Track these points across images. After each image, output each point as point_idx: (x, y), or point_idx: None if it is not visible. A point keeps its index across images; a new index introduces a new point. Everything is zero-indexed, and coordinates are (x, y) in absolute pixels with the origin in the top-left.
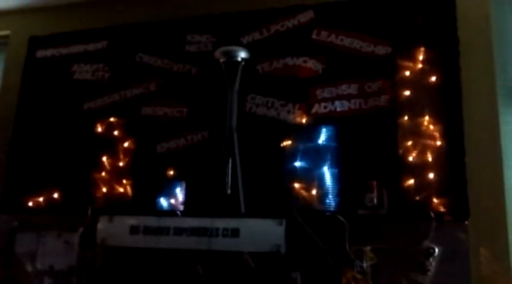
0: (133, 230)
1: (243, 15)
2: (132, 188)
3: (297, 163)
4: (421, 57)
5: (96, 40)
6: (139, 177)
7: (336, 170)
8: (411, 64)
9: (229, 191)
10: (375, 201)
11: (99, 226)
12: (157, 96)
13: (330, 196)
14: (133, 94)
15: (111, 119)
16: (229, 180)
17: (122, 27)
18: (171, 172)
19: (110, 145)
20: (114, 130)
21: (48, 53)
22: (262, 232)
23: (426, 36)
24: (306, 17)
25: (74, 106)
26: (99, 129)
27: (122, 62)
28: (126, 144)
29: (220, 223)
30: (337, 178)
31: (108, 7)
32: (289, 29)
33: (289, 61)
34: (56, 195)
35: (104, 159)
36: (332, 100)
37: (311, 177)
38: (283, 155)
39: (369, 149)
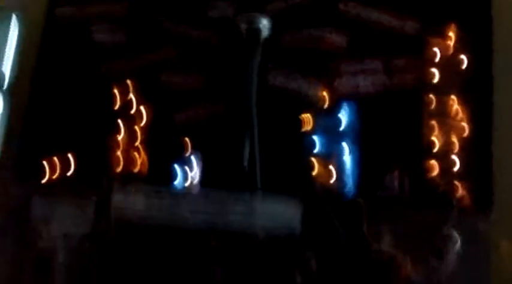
0: (148, 202)
1: None
2: (148, 156)
3: (316, 139)
4: (451, 36)
5: (116, 1)
6: (156, 146)
7: (356, 149)
8: (441, 42)
9: (246, 163)
10: (396, 183)
11: (114, 195)
12: (175, 62)
13: (349, 176)
14: (150, 60)
15: (129, 83)
16: (247, 152)
17: None
18: (188, 142)
19: (126, 110)
20: (131, 94)
21: (68, 11)
22: (278, 210)
23: (458, 14)
24: None
25: (92, 68)
26: (117, 94)
27: (142, 25)
28: (143, 111)
29: (236, 198)
30: (357, 158)
31: None
32: None
33: (314, 32)
34: (72, 160)
35: (121, 124)
36: (355, 75)
37: (330, 153)
38: (302, 130)
39: (391, 129)
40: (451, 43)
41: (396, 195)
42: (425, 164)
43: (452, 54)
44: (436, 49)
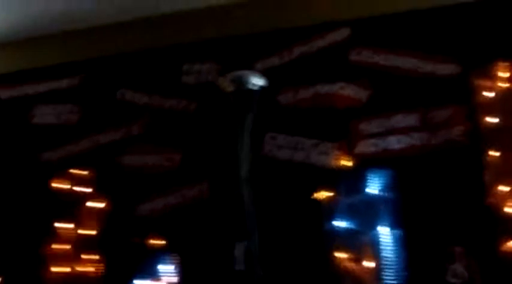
0: None
1: (255, 38)
2: (103, 267)
3: (339, 223)
4: (503, 74)
5: (66, 76)
6: (113, 252)
7: (397, 231)
8: (491, 83)
9: (241, 267)
10: (465, 274)
11: None
12: (141, 141)
13: (392, 270)
14: (108, 140)
15: (76, 172)
16: (242, 253)
17: (102, 59)
18: (157, 243)
19: (72, 207)
20: (80, 186)
21: (9, 92)
22: None
23: (505, 47)
24: (341, 35)
25: (30, 156)
26: (59, 186)
27: (97, 100)
28: (95, 206)
29: None
30: (400, 244)
31: (85, 36)
32: (319, 49)
33: (321, 89)
34: None
35: (63, 226)
36: (383, 135)
37: (361, 242)
38: (319, 213)
39: (443, 199)
40: (504, 83)
41: None
42: (499, 242)
43: (508, 96)
44: (487, 93)
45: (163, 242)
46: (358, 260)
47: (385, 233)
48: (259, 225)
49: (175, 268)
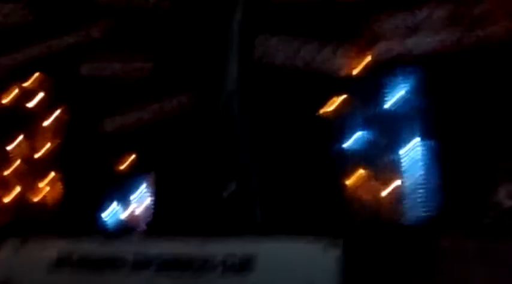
0: (60, 263)
1: None
2: (62, 190)
3: (352, 142)
4: None
5: None
6: (75, 173)
7: (429, 145)
8: None
9: (230, 191)
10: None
11: (2, 255)
12: (103, 46)
13: (422, 193)
14: (65, 45)
15: (30, 82)
16: (231, 175)
17: None
18: (129, 162)
19: (25, 121)
20: (32, 100)
21: None
22: (298, 263)
23: None
24: None
25: None
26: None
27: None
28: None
29: (218, 249)
30: (433, 160)
31: None
32: None
33: None
34: None
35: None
36: (406, 33)
37: (381, 162)
38: (327, 129)
39: (487, 105)
40: None
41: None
42: None
43: None
44: None
45: (136, 161)
46: (378, 183)
47: (413, 148)
48: (254, 150)
49: (149, 192)
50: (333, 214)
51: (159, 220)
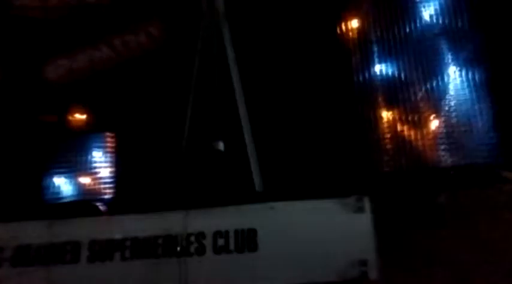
0: None
1: None
2: None
3: (380, 68)
4: None
5: None
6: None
7: (476, 74)
8: None
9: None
10: None
11: None
12: None
13: (466, 133)
14: None
15: None
16: (217, 132)
17: None
18: (81, 119)
19: None
20: None
21: None
22: (317, 234)
23: None
24: None
25: None
26: None
27: None
28: None
29: (208, 222)
30: (483, 91)
31: None
32: None
33: None
34: None
35: None
36: None
37: (413, 95)
38: (339, 60)
39: None
40: None
41: None
42: None
43: None
44: None
45: (90, 119)
46: (409, 122)
47: (454, 77)
48: (246, 95)
49: (109, 157)
50: (355, 168)
51: (123, 193)
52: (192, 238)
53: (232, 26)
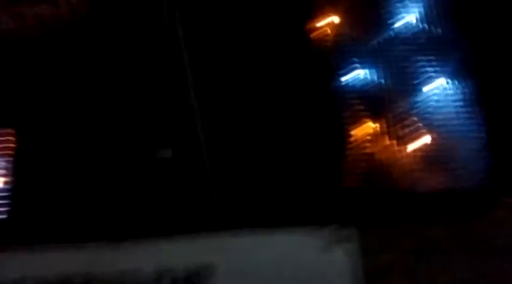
0: None
1: None
2: None
3: (358, 74)
4: None
5: None
6: None
7: (464, 85)
8: None
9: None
10: None
11: None
12: None
13: (457, 148)
14: None
15: None
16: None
17: None
18: None
19: None
20: None
21: None
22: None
23: None
24: None
25: None
26: None
27: None
28: None
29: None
30: (471, 104)
31: None
32: None
33: None
34: None
35: None
36: None
37: (397, 107)
38: (322, 62)
39: None
40: None
41: None
42: None
43: None
44: None
45: None
46: (394, 141)
47: (443, 89)
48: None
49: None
50: (330, 190)
51: (22, 215)
52: (125, 280)
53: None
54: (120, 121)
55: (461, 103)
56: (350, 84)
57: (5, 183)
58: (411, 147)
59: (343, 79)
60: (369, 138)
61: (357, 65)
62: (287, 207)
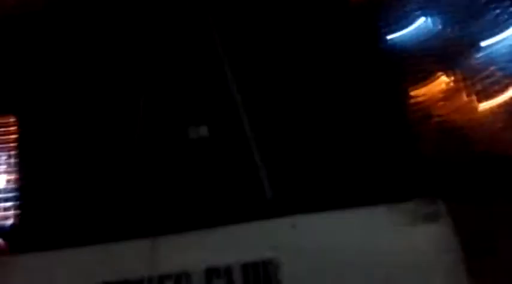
0: None
1: None
2: None
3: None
4: None
5: None
6: None
7: None
8: None
9: (203, 133)
10: None
11: None
12: None
13: None
14: None
15: None
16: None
17: None
18: None
19: None
20: None
21: None
22: (371, 258)
23: None
24: None
25: None
26: None
27: None
28: None
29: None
30: None
31: None
32: None
33: None
34: None
35: None
36: None
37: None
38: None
39: None
40: None
41: None
42: None
43: None
44: None
45: None
46: (473, 93)
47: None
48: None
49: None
50: (405, 161)
51: (33, 217)
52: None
53: None
54: (143, 98)
55: None
56: (413, 36)
57: (8, 181)
58: (494, 102)
59: (404, 31)
60: (443, 95)
61: (418, 12)
62: (354, 184)
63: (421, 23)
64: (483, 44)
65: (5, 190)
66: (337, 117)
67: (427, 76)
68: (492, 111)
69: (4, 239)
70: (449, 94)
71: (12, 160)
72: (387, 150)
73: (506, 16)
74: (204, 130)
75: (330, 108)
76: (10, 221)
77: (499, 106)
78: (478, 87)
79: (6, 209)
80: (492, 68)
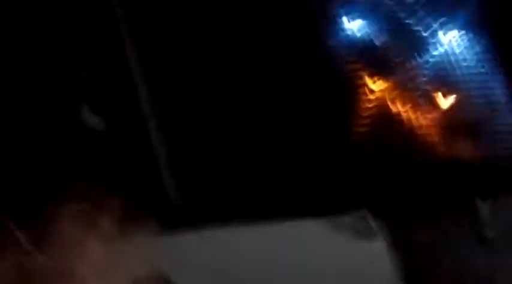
0: None
1: None
2: None
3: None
4: None
5: None
6: None
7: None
8: None
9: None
10: None
11: None
12: None
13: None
14: None
15: None
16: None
17: None
18: None
19: None
20: None
21: None
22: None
23: None
24: None
25: None
26: None
27: None
28: None
29: None
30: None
31: None
32: None
33: None
34: None
35: None
36: None
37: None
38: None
39: None
40: None
41: None
42: None
43: None
44: None
45: None
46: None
47: (457, 42)
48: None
49: None
50: (338, 173)
51: None
52: None
53: None
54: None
55: (482, 56)
56: (344, 40)
57: None
58: (430, 112)
59: (333, 35)
60: (374, 104)
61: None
62: (286, 195)
63: (359, 27)
64: (420, 52)
65: None
66: (265, 112)
67: (357, 83)
68: (429, 121)
69: None
70: (383, 102)
71: None
72: (318, 152)
73: (443, 26)
74: (97, 120)
75: (252, 100)
76: None
77: (436, 117)
78: (414, 95)
79: None
80: (428, 77)
